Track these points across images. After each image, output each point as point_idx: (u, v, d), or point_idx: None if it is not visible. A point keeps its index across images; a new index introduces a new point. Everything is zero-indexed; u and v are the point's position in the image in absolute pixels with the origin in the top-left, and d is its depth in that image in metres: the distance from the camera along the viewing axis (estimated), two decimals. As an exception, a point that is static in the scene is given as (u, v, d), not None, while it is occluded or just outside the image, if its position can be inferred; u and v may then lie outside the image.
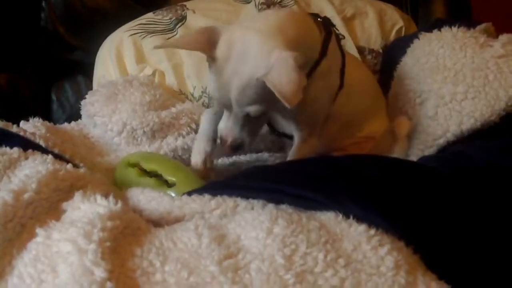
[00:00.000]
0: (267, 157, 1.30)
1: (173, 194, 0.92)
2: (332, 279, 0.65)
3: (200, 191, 0.85)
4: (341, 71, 1.17)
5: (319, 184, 0.80)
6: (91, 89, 1.58)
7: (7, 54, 1.61)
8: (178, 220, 0.80)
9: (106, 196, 0.82)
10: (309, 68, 1.05)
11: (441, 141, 1.14)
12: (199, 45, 0.97)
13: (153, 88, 1.36)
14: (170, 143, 1.23)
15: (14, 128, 0.98)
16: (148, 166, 1.01)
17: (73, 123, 1.34)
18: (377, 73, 1.56)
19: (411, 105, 1.28)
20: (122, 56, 1.52)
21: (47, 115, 1.67)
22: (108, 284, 0.58)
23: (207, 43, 0.95)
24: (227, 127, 1.01)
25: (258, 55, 0.92)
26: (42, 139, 0.98)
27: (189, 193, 0.86)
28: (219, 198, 0.82)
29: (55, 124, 1.43)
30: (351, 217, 0.75)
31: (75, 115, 1.44)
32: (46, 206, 0.75)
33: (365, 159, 0.91)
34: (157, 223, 0.82)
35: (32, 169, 0.79)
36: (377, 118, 1.33)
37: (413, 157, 1.17)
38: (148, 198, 0.85)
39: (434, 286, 0.66)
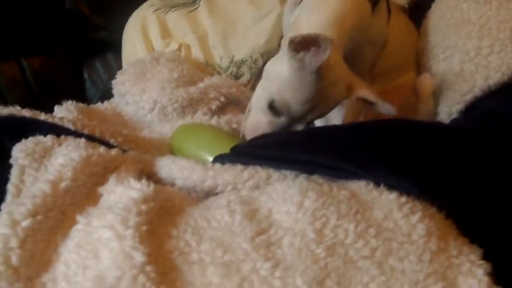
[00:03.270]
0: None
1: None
2: (363, 250, 0.66)
3: (233, 158, 0.86)
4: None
5: (350, 154, 0.80)
6: (121, 66, 1.62)
7: (37, 37, 1.64)
8: (211, 188, 0.82)
9: (139, 176, 0.85)
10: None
11: (468, 97, 1.12)
12: None
13: (180, 63, 1.37)
14: (200, 118, 1.25)
15: (42, 116, 0.99)
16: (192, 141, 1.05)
17: (105, 102, 1.37)
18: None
19: (435, 61, 1.26)
20: (147, 33, 1.53)
21: (81, 94, 1.71)
22: (148, 267, 0.61)
23: None
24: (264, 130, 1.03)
25: None
26: (71, 123, 0.99)
27: (222, 160, 0.87)
28: (251, 169, 0.82)
29: (89, 103, 1.47)
30: (382, 185, 0.75)
31: (108, 92, 1.47)
32: (83, 192, 0.78)
33: (394, 124, 0.91)
34: (192, 190, 0.84)
35: (65, 157, 0.81)
36: (410, 70, 1.33)
37: (442, 115, 1.16)
38: (179, 167, 0.86)
39: (465, 250, 0.67)
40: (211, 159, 0.95)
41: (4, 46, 1.57)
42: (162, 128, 1.23)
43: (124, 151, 0.96)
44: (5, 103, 1.53)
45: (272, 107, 0.99)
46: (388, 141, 0.83)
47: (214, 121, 1.24)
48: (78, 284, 0.62)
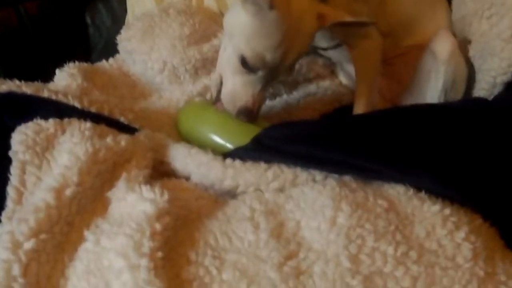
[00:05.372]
0: (316, 89, 1.19)
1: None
2: (403, 280, 0.59)
3: (255, 154, 0.78)
4: None
5: (389, 155, 0.71)
6: (125, 9, 1.49)
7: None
8: (231, 188, 0.75)
9: (151, 173, 0.78)
10: None
11: None
12: None
13: (191, 16, 1.23)
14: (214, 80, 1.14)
15: (45, 92, 0.89)
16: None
17: (111, 60, 1.25)
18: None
19: (477, 18, 1.08)
20: (154, -21, 1.38)
21: (84, 41, 1.60)
22: (165, 306, 0.55)
23: None
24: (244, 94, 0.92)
25: None
26: (76, 100, 0.90)
27: (243, 155, 0.78)
28: (276, 168, 0.74)
29: (94, 51, 1.37)
30: (423, 191, 0.68)
31: (113, 39, 1.35)
32: (90, 196, 0.70)
33: (435, 116, 0.80)
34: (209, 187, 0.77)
35: (70, 156, 0.73)
36: (432, 24, 1.16)
37: (483, 84, 1.04)
38: (196, 162, 0.78)
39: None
40: (229, 146, 0.87)
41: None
42: (172, 93, 1.13)
43: (134, 130, 0.89)
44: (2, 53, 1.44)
45: (245, 64, 0.89)
46: (429, 141, 0.74)
47: None
48: (89, 320, 0.57)
